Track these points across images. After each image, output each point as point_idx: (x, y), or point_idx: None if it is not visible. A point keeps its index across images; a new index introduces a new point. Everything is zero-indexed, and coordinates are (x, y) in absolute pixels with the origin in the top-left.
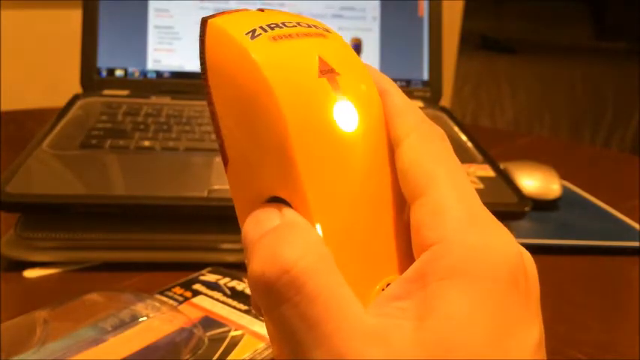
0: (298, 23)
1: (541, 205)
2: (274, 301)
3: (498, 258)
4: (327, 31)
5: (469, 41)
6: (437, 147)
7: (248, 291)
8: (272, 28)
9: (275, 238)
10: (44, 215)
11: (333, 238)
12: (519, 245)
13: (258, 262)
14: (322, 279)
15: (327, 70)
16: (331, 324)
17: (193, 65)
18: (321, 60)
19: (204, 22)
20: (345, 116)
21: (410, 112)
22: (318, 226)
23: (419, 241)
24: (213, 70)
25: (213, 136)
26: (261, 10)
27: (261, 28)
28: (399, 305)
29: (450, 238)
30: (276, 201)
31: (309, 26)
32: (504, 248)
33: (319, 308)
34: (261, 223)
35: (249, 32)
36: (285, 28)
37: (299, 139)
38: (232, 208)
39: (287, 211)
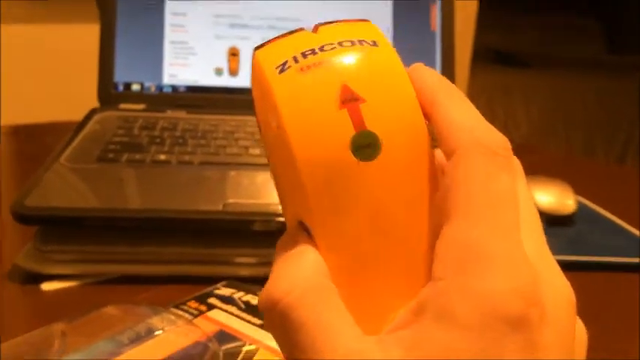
0: (340, 43)
1: (556, 221)
2: (270, 326)
3: (494, 305)
4: (376, 44)
5: (482, 55)
6: (475, 169)
7: None
8: (305, 57)
9: (277, 269)
10: (62, 228)
11: (342, 266)
12: (551, 287)
13: (262, 292)
14: (307, 310)
15: (350, 99)
16: (312, 348)
17: (208, 80)
18: (345, 88)
19: (253, 52)
20: (364, 147)
21: (457, 127)
22: (326, 254)
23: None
24: (254, 100)
25: (228, 150)
26: (316, 28)
27: (294, 59)
28: (399, 334)
29: (450, 278)
30: (303, 225)
31: (354, 43)
32: (508, 294)
33: (303, 336)
34: (279, 250)
35: (279, 65)
36: (319, 53)
37: (309, 174)
38: (246, 222)
39: (302, 240)
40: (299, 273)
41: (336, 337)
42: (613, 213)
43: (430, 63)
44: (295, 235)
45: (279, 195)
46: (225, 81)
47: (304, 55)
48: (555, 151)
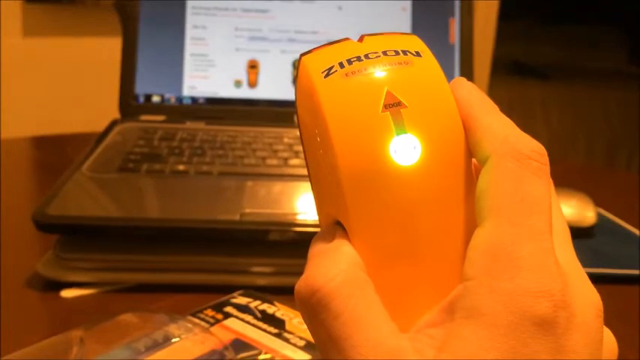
0: (384, 52)
1: (576, 233)
2: (306, 315)
3: (523, 305)
4: (419, 54)
5: (501, 67)
6: (508, 173)
7: (278, 314)
8: (350, 63)
9: (315, 261)
10: (82, 237)
11: (376, 264)
12: (580, 292)
13: (300, 281)
14: (345, 300)
15: (392, 104)
16: (349, 341)
17: (227, 92)
18: (388, 94)
19: (299, 58)
20: (404, 149)
21: (491, 134)
22: (361, 252)
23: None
24: (298, 103)
25: (246, 161)
26: (362, 38)
27: (339, 64)
28: (430, 332)
29: (479, 279)
30: (339, 225)
31: (398, 53)
32: (537, 296)
33: (340, 326)
34: (315, 245)
35: (325, 70)
36: (364, 61)
37: (348, 174)
38: (263, 232)
39: (338, 236)
40: (338, 265)
41: (373, 332)
42: (633, 224)
43: (449, 75)
44: (331, 231)
45: (315, 193)
46: (244, 93)
47: (349, 61)
48: (576, 161)
